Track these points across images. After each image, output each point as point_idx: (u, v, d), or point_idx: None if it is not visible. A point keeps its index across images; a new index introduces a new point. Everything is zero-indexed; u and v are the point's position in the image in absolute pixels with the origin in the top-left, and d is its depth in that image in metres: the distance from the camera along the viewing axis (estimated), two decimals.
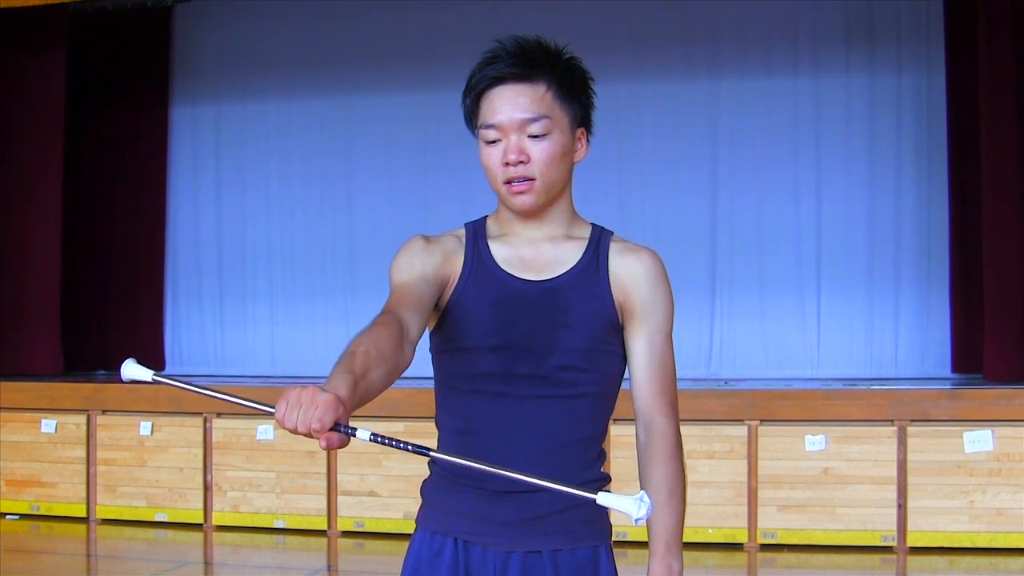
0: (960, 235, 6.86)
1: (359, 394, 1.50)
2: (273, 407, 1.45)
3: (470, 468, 1.55)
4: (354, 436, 1.46)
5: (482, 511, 1.87)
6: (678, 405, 1.92)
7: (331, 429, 1.43)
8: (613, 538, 1.96)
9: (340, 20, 8.01)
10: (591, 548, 1.90)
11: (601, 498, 1.49)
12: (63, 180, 7.67)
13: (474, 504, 1.87)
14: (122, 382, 1.66)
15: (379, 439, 1.49)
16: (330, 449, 1.44)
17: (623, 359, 1.92)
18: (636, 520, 1.48)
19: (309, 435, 1.42)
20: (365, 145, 8.06)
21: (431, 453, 1.52)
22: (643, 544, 1.90)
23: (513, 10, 7.08)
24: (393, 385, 1.67)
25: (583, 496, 1.49)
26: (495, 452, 1.84)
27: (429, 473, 1.98)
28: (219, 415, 6.22)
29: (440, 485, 1.93)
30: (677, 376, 1.92)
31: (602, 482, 1.93)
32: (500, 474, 1.52)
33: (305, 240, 8.18)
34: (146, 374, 1.58)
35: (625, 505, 1.48)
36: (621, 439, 4.79)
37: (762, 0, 7.38)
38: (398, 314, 1.71)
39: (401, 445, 1.50)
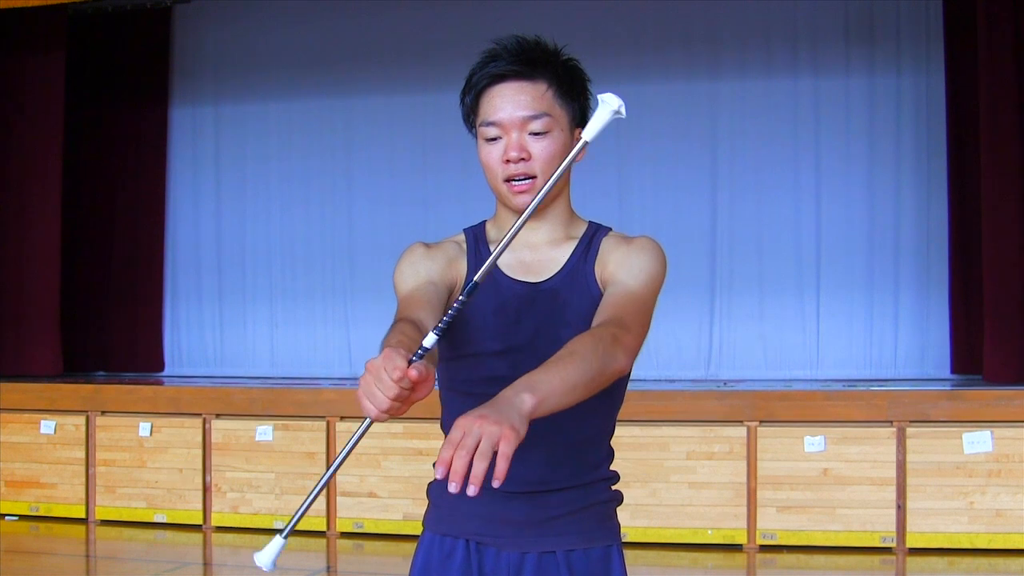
0: (960, 235, 6.85)
1: None
2: (362, 419, 1.46)
3: None
4: (428, 350, 1.47)
5: (495, 512, 1.85)
6: (637, 348, 1.71)
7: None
8: None
9: (340, 20, 8.01)
10: (604, 548, 1.90)
11: (586, 133, 1.56)
12: (63, 180, 7.67)
13: (486, 505, 1.83)
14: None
15: (440, 328, 1.50)
16: (420, 380, 1.41)
17: None
18: (615, 110, 1.52)
19: (401, 397, 1.41)
20: (365, 145, 8.05)
21: None
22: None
23: (513, 10, 7.07)
24: None
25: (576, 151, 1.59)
26: None
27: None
28: (218, 416, 6.22)
29: None
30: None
31: (612, 481, 1.93)
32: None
33: (305, 240, 8.18)
34: (277, 544, 1.49)
35: (603, 113, 1.52)
36: (622, 440, 4.78)
37: (762, 1, 7.38)
38: (414, 317, 1.70)
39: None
